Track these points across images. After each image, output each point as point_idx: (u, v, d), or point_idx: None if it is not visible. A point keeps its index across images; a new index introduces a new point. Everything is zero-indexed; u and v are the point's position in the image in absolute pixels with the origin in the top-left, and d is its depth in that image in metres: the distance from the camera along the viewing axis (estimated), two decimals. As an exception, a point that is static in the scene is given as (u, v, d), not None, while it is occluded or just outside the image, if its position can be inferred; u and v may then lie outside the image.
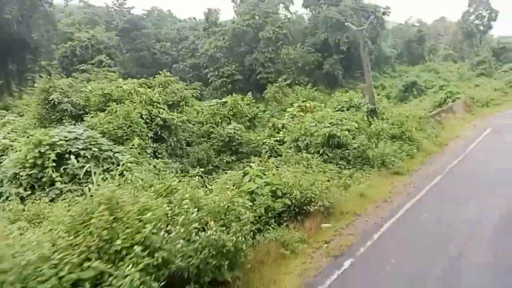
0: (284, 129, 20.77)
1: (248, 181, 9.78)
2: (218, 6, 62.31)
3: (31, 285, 4.69)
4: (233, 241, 6.37)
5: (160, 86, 19.80)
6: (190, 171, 11.84)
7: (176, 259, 5.45)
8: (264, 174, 10.11)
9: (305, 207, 9.47)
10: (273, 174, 10.19)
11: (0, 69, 36.07)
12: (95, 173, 6.98)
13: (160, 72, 22.43)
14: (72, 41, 46.71)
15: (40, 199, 9.72)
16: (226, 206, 7.10)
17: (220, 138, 19.43)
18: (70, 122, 15.16)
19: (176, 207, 6.31)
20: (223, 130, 20.08)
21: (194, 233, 5.90)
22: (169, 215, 5.98)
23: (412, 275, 6.69)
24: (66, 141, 11.27)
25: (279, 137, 20.20)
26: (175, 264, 5.47)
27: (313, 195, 9.67)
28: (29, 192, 10.55)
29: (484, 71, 50.39)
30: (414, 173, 13.84)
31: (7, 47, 35.83)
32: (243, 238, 6.67)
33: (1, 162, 12.01)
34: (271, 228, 8.54)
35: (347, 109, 21.52)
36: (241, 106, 22.48)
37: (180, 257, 5.51)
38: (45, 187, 10.74)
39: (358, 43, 63.25)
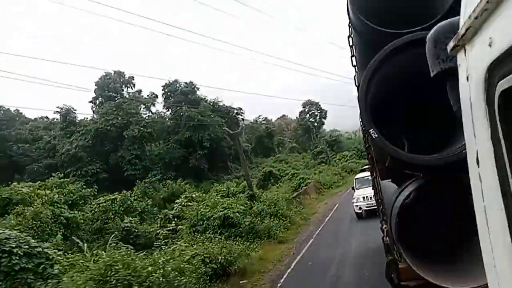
0: (175, 219, 23.57)
1: (179, 255, 12.58)
2: (71, 104, 62.16)
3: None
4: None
5: (58, 187, 20.86)
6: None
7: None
8: (191, 247, 13.08)
9: (226, 269, 12.68)
10: (199, 247, 13.22)
11: None
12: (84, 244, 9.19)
13: (17, 175, 22.81)
14: None
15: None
16: (184, 268, 10.01)
17: (117, 233, 20.98)
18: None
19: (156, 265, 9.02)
20: (117, 225, 21.73)
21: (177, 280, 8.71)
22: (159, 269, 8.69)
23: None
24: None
25: (171, 226, 22.81)
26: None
27: (230, 260, 13.00)
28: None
29: (323, 159, 62.08)
30: (292, 240, 18.31)
31: None
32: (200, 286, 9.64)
33: None
34: (207, 286, 11.44)
35: (227, 197, 25.66)
36: (130, 201, 24.52)
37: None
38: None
39: (219, 139, 70.39)
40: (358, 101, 3.50)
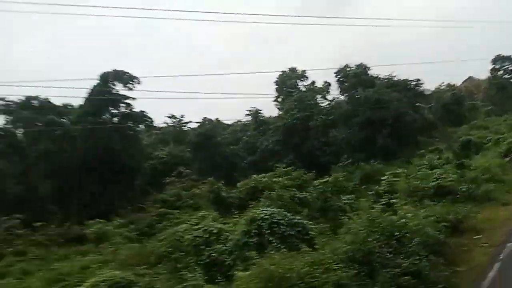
0: (386, 194, 25.97)
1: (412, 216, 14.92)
2: (257, 106, 71.79)
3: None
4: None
5: (285, 175, 26.06)
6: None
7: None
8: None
9: (456, 227, 14.47)
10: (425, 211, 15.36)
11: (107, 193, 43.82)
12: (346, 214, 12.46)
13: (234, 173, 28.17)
14: (152, 160, 55.36)
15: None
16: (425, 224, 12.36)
17: (341, 208, 24.68)
18: (235, 211, 20.94)
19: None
20: (337, 202, 25.41)
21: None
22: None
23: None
24: (269, 215, 16.92)
25: (384, 201, 25.25)
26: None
27: (460, 219, 14.71)
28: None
29: (533, 118, 54.79)
30: (516, 202, 18.54)
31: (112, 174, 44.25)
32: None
33: (219, 239, 17.51)
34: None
35: (433, 169, 26.61)
36: (341, 181, 27.98)
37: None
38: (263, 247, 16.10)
39: (401, 114, 68.86)
40: None
